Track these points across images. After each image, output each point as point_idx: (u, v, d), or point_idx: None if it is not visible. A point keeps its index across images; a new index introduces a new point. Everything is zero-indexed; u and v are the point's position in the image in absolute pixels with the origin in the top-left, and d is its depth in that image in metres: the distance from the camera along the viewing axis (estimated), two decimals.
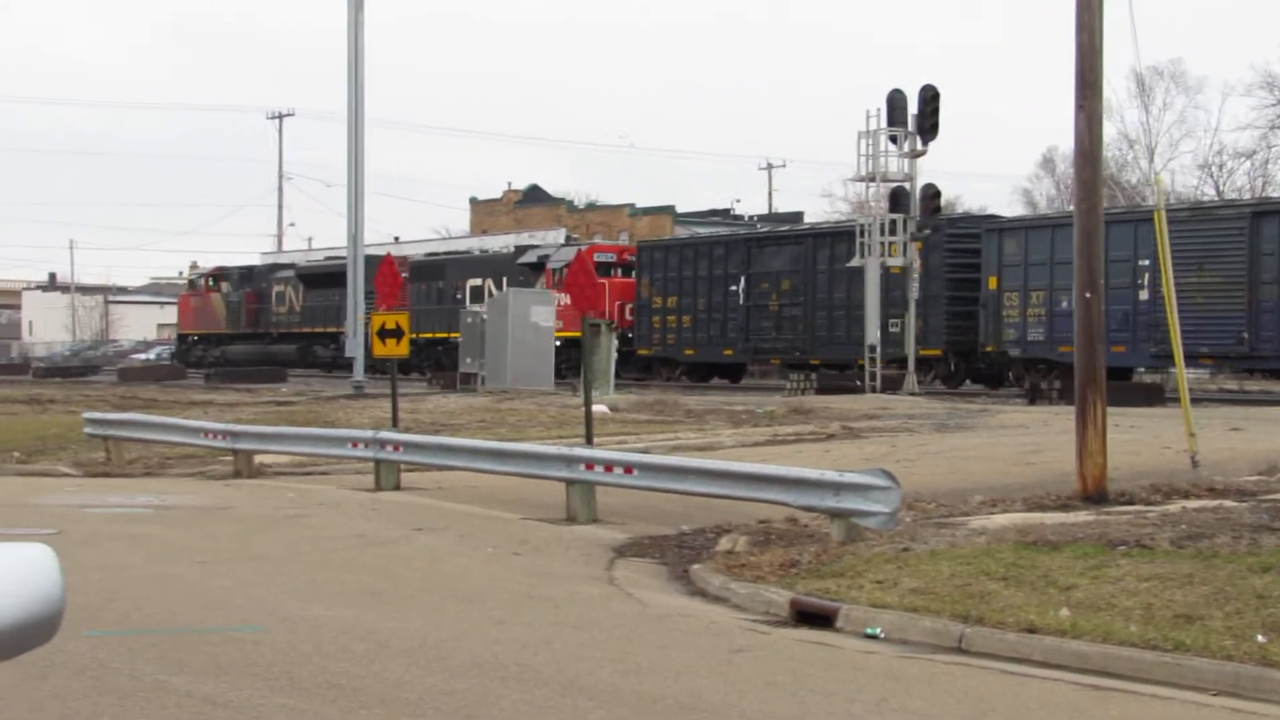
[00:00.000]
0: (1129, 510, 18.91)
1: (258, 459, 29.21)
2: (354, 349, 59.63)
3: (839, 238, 58.77)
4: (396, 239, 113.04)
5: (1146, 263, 46.35)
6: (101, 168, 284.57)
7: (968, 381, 56.60)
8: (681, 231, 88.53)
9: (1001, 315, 51.93)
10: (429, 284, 75.65)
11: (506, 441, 27.07)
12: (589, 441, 23.30)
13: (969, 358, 55.26)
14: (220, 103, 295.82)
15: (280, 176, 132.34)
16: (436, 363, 72.00)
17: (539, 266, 67.96)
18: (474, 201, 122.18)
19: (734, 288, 61.58)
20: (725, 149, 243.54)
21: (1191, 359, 43.86)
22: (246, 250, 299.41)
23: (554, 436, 32.00)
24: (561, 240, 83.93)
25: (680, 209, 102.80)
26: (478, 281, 72.86)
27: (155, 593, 15.22)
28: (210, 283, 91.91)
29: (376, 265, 74.26)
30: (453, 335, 68.51)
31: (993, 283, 52.06)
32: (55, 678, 11.14)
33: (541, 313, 56.70)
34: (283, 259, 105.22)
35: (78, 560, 16.57)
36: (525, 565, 17.76)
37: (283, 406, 46.55)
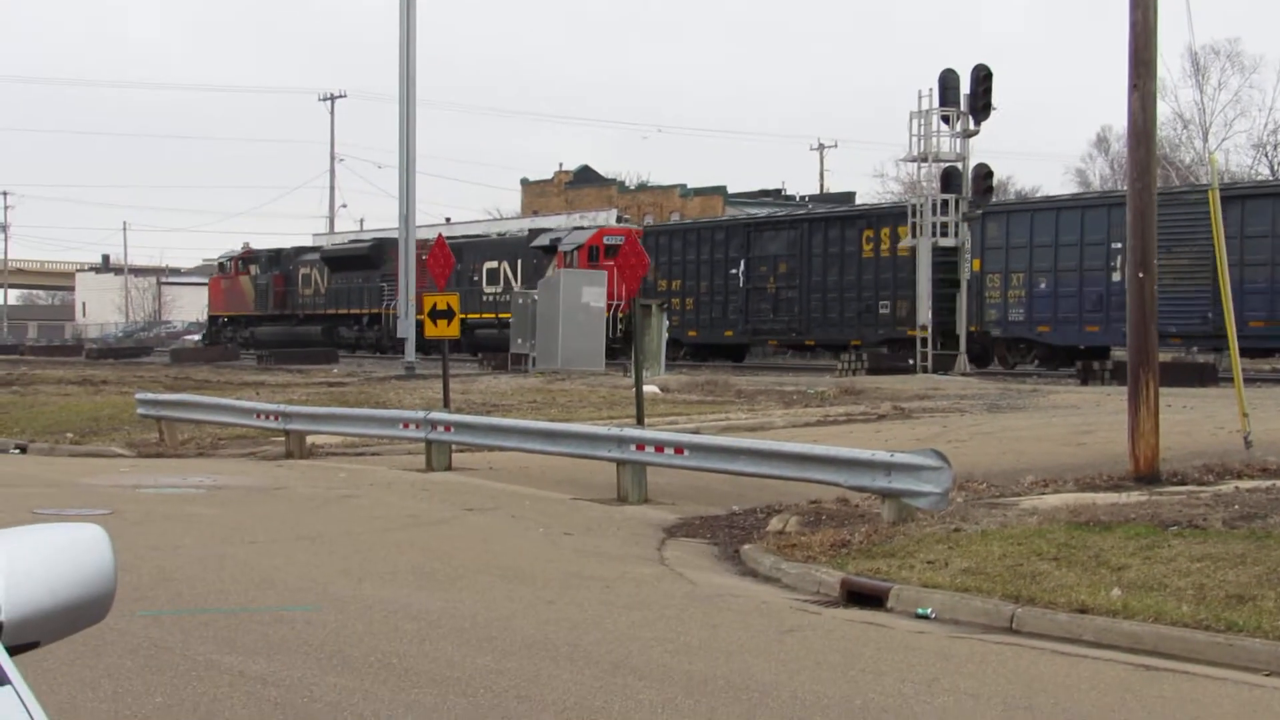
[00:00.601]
0: (1181, 490, 18.84)
1: (309, 439, 29.31)
2: (405, 329, 59.72)
3: (832, 222, 61.52)
4: (448, 220, 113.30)
5: (1119, 245, 48.57)
6: (155, 150, 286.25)
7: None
8: (733, 212, 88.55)
9: (984, 297, 54.31)
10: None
11: (557, 422, 27.09)
12: (640, 422, 23.32)
13: (955, 338, 56.44)
14: (273, 85, 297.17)
15: (332, 158, 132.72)
16: (455, 343, 70.23)
17: (551, 249, 68.95)
18: (525, 183, 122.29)
19: (734, 271, 63.50)
20: (778, 129, 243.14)
21: (1160, 338, 44.32)
22: (299, 231, 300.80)
23: (605, 417, 32.01)
24: (613, 221, 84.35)
25: (731, 189, 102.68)
26: (494, 264, 73.94)
27: (208, 572, 15.29)
28: (240, 265, 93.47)
29: (392, 248, 76.20)
30: (469, 316, 68.41)
31: (976, 265, 54.29)
32: (108, 656, 11.21)
33: (593, 293, 56.71)
34: (336, 240, 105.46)
35: (131, 540, 16.66)
36: (576, 545, 17.78)
37: (334, 387, 46.66)
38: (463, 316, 70.51)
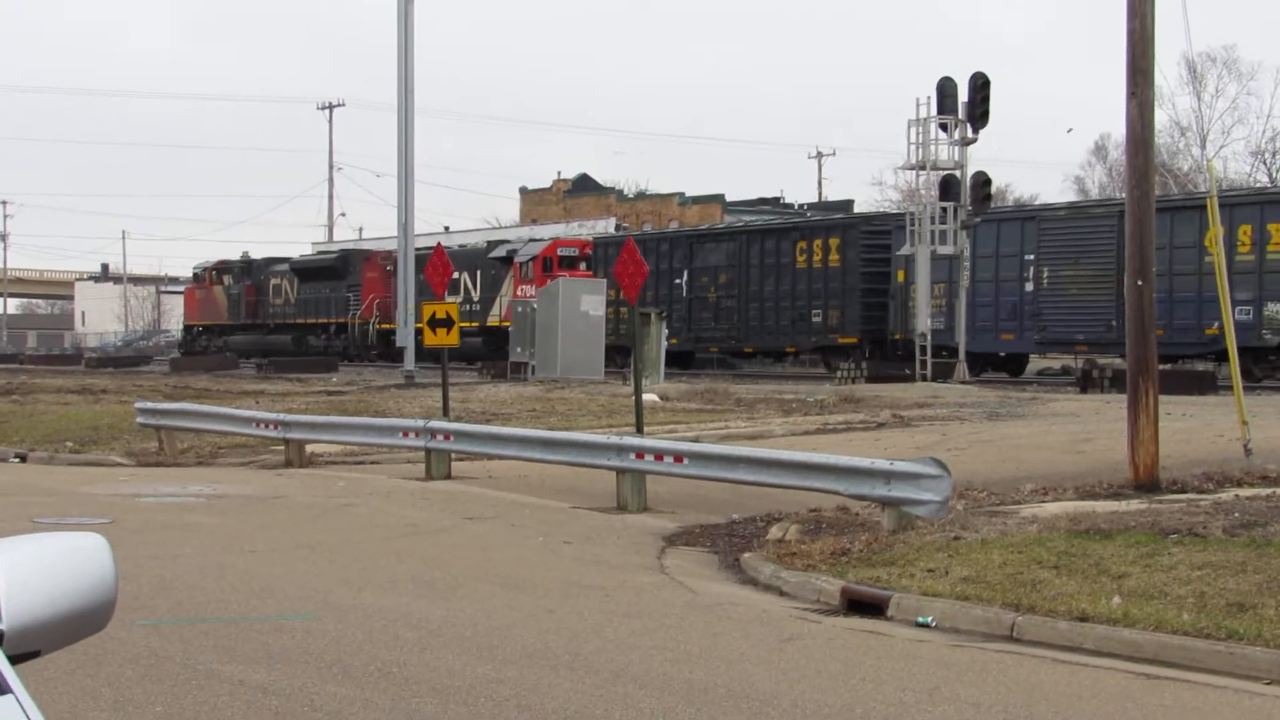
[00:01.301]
0: (1181, 498, 18.84)
1: (309, 448, 29.31)
2: (404, 338, 59.79)
3: (769, 234, 64.36)
4: (447, 228, 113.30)
5: (1031, 258, 52.23)
6: (154, 159, 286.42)
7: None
8: (731, 219, 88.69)
9: (908, 306, 56.06)
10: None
11: (557, 431, 27.09)
12: (639, 430, 23.30)
13: (882, 345, 59.51)
14: (272, 94, 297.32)
15: (330, 167, 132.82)
16: (417, 351, 71.37)
17: (508, 260, 71.97)
18: (524, 191, 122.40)
19: (678, 281, 65.94)
20: (776, 137, 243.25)
21: (1067, 345, 52.32)
22: (298, 240, 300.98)
23: (604, 425, 32.01)
24: (612, 229, 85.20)
25: (730, 198, 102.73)
26: (456, 275, 71.84)
27: (207, 581, 15.28)
28: (214, 276, 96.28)
29: (364, 259, 77.83)
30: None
31: (900, 276, 56.78)
32: (109, 665, 11.20)
33: (591, 302, 56.78)
34: (333, 249, 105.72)
35: (131, 549, 16.65)
36: (576, 554, 17.78)
37: (333, 396, 46.67)
38: (422, 326, 74.06)
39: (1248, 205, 48.54)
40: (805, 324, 60.53)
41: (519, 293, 69.24)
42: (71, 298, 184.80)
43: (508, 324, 66.32)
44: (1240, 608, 12.64)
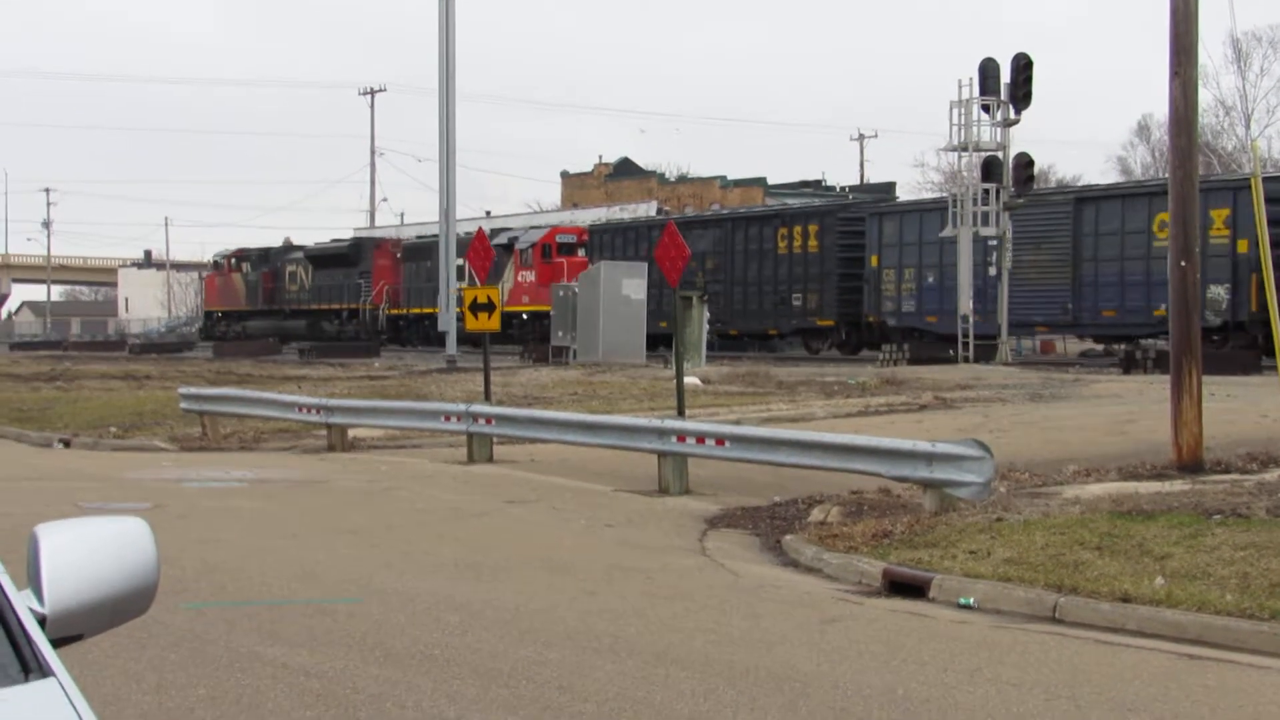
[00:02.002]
0: (1225, 479, 18.78)
1: (351, 433, 29.38)
2: (446, 323, 59.90)
3: (752, 221, 66.60)
4: (488, 213, 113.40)
5: (994, 243, 53.78)
6: (197, 145, 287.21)
7: (864, 349, 62.73)
8: (773, 202, 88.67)
9: (881, 289, 59.60)
10: (418, 264, 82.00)
11: (598, 414, 27.12)
12: (681, 413, 23.30)
13: (857, 327, 62.43)
14: (314, 79, 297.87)
15: (372, 152, 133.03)
16: (424, 336, 78.89)
17: (509, 247, 72.76)
18: (565, 175, 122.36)
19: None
20: (818, 120, 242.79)
21: (1028, 327, 54.93)
22: (340, 226, 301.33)
23: (646, 409, 32.02)
24: (653, 212, 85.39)
25: (771, 180, 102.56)
26: (459, 261, 74.29)
27: (250, 565, 15.34)
28: (232, 264, 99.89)
29: (375, 247, 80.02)
30: (432, 310, 74.15)
31: (874, 261, 59.72)
32: (152, 648, 11.26)
33: (633, 285, 56.78)
34: (375, 234, 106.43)
35: (174, 534, 16.72)
36: (617, 536, 17.80)
37: (375, 381, 46.78)
38: (431, 311, 77.38)
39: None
40: (786, 307, 63.02)
41: (519, 279, 72.43)
42: (115, 284, 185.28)
43: (511, 309, 70.37)
44: None
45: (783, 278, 63.48)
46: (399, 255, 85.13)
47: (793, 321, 63.49)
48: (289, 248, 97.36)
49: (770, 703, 9.90)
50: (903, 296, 59.14)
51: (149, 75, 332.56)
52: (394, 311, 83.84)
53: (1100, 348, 60.27)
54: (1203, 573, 13.31)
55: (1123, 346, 51.44)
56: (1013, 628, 12.58)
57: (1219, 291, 48.41)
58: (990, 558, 14.60)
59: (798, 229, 63.17)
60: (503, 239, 74.04)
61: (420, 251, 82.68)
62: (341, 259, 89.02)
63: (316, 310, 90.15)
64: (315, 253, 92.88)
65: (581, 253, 72.26)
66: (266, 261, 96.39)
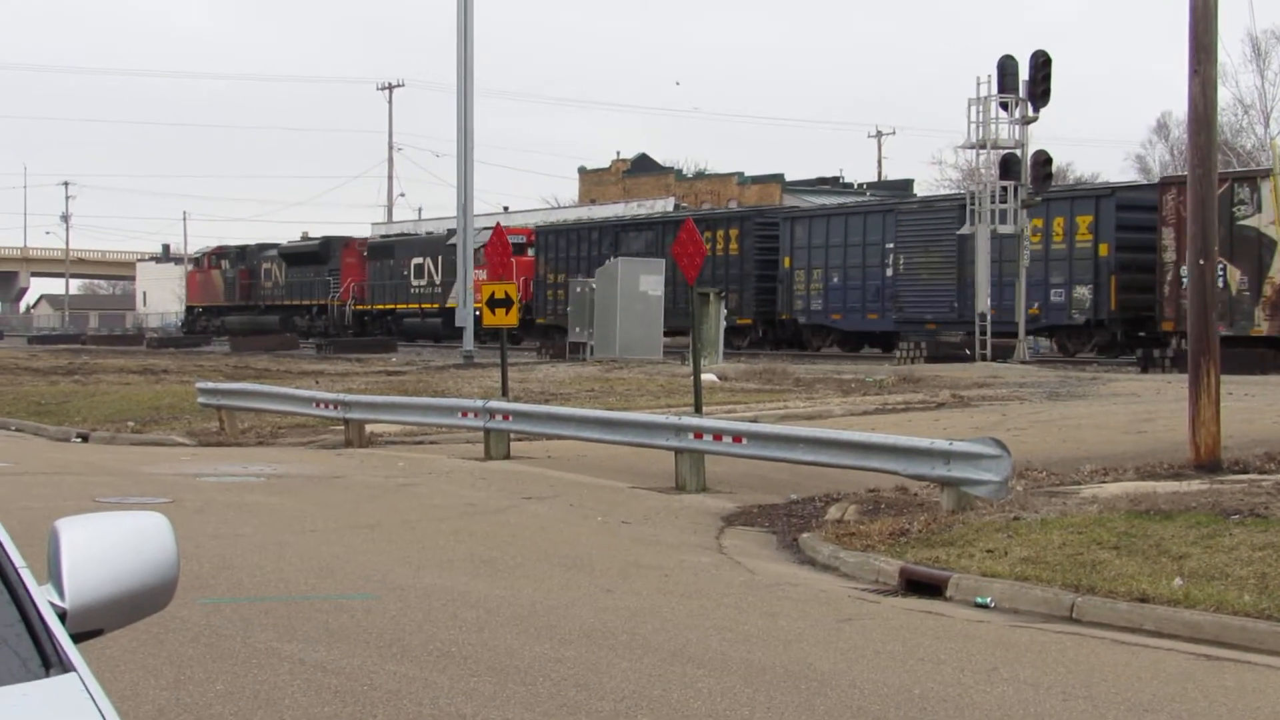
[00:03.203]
0: (1243, 479, 18.74)
1: (369, 428, 29.40)
2: (464, 318, 59.91)
3: (701, 223, 67.25)
4: (506, 209, 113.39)
5: (891, 246, 59.46)
6: (214, 139, 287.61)
7: (779, 346, 66.71)
8: (790, 199, 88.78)
9: (793, 289, 63.87)
10: (382, 262, 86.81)
11: (615, 411, 27.12)
12: (698, 410, 23.30)
13: (773, 325, 66.76)
14: (332, 75, 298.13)
15: (390, 147, 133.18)
16: (387, 330, 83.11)
17: None
18: (582, 171, 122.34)
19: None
20: (836, 117, 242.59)
21: (919, 324, 58.12)
22: (358, 221, 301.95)
23: (663, 405, 32.03)
24: (670, 208, 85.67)
25: (789, 177, 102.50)
26: (420, 260, 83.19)
27: (268, 561, 15.36)
28: (212, 261, 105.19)
29: (344, 246, 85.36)
30: (398, 306, 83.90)
31: (787, 262, 63.97)
32: (170, 643, 11.27)
33: (650, 282, 56.80)
34: (392, 230, 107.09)
35: (191, 529, 16.76)
36: (634, 534, 17.81)
37: (393, 376, 46.80)
38: (392, 307, 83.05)
39: (1060, 200, 54.82)
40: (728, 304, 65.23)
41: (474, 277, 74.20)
42: (133, 278, 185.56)
43: None
44: None
45: (705, 279, 64.34)
46: (365, 254, 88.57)
47: (729, 318, 64.39)
48: (264, 246, 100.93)
49: (787, 701, 9.90)
50: (811, 296, 63.39)
51: (168, 70, 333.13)
52: (359, 307, 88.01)
53: None
54: (1221, 573, 13.29)
55: (1139, 351, 51.62)
56: (1030, 627, 12.57)
57: (1084, 292, 52.85)
58: (1007, 557, 14.59)
59: (720, 232, 66.99)
60: (456, 240, 76.45)
61: (384, 250, 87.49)
62: (312, 257, 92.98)
63: (289, 306, 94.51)
64: (288, 251, 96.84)
65: (531, 252, 76.21)
66: (243, 259, 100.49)
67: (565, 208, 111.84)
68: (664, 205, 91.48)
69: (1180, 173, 59.85)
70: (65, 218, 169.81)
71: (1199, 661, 11.27)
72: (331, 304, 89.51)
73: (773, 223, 66.49)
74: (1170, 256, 49.20)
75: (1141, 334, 52.27)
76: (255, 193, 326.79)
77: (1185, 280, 42.46)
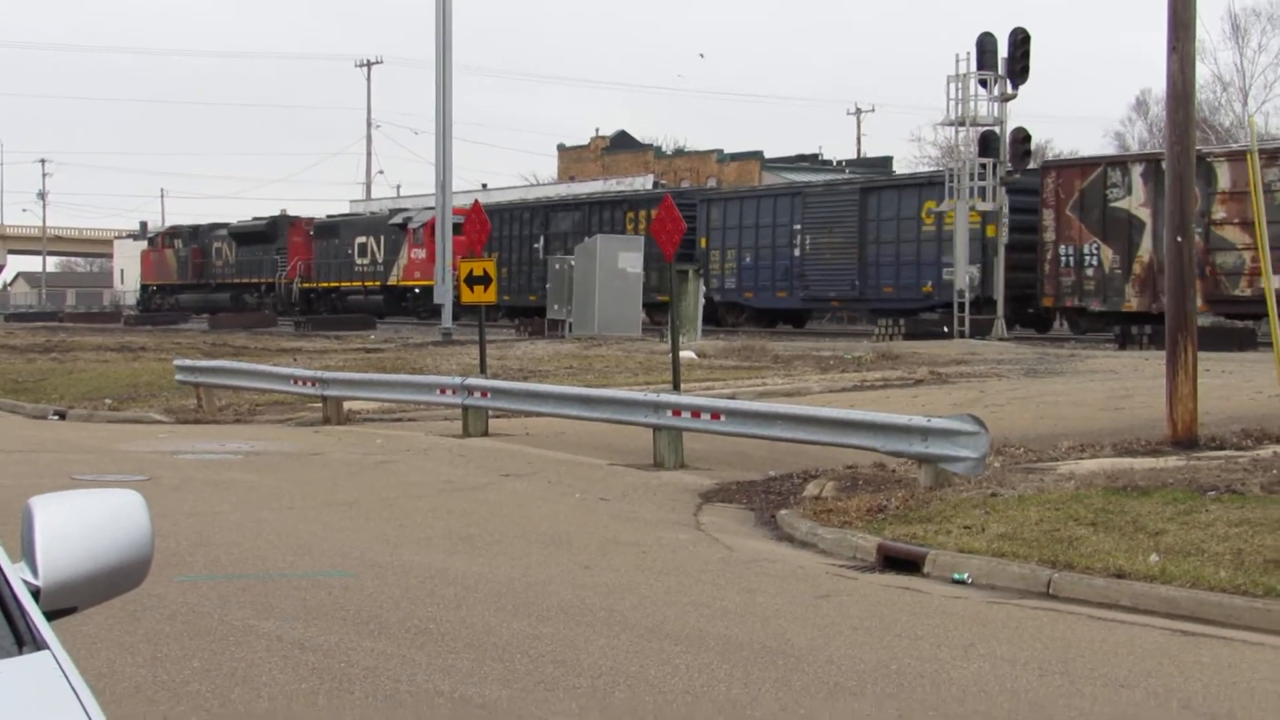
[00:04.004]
0: (1219, 455, 18.79)
1: (347, 406, 29.37)
2: (442, 295, 59.86)
3: (605, 206, 73.30)
4: (484, 186, 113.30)
5: (798, 227, 62.37)
6: (192, 116, 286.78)
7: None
8: (770, 177, 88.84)
9: (709, 268, 65.91)
10: (328, 241, 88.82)
11: (594, 388, 27.11)
12: (676, 387, 23.29)
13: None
14: (310, 51, 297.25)
15: (369, 124, 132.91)
16: (332, 308, 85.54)
17: (403, 227, 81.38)
18: (561, 148, 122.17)
19: (536, 245, 74.55)
20: (814, 94, 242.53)
21: (824, 301, 62.57)
22: (336, 198, 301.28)
23: (641, 382, 32.03)
24: (649, 186, 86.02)
25: (768, 154, 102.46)
26: (363, 239, 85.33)
27: (245, 538, 15.34)
28: (165, 240, 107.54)
29: (290, 225, 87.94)
30: (344, 284, 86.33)
31: (704, 242, 66.42)
32: (147, 621, 11.26)
33: (629, 259, 56.84)
34: (371, 207, 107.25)
35: (168, 506, 16.74)
36: (612, 510, 17.81)
37: (371, 353, 46.76)
38: (336, 285, 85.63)
39: (941, 185, 56.11)
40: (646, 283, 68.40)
41: (413, 256, 79.46)
42: (110, 255, 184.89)
43: (406, 283, 79.94)
44: (1278, 565, 12.61)
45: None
46: (311, 233, 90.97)
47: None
48: (215, 225, 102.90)
49: (764, 677, 9.91)
50: (726, 275, 65.94)
51: (146, 46, 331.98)
52: (306, 285, 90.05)
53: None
54: (1197, 549, 13.32)
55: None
56: (1007, 603, 12.60)
57: (973, 271, 54.92)
58: (985, 533, 14.62)
59: (643, 213, 68.38)
60: (398, 219, 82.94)
61: (330, 230, 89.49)
62: (261, 236, 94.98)
63: (239, 284, 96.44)
64: (238, 230, 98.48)
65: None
66: (196, 238, 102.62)
67: (544, 184, 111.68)
68: (643, 182, 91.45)
69: (1068, 156, 60.97)
70: (42, 195, 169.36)
71: (1175, 637, 11.30)
72: (279, 282, 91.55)
73: (691, 204, 67.71)
74: (1050, 237, 52.54)
75: (1030, 310, 55.23)
76: (234, 170, 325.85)
77: (1064, 259, 51.92)
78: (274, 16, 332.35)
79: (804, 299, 62.38)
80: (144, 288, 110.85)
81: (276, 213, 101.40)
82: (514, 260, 75.76)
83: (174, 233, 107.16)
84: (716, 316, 65.96)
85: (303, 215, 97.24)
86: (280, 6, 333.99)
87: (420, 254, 78.08)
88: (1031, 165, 56.75)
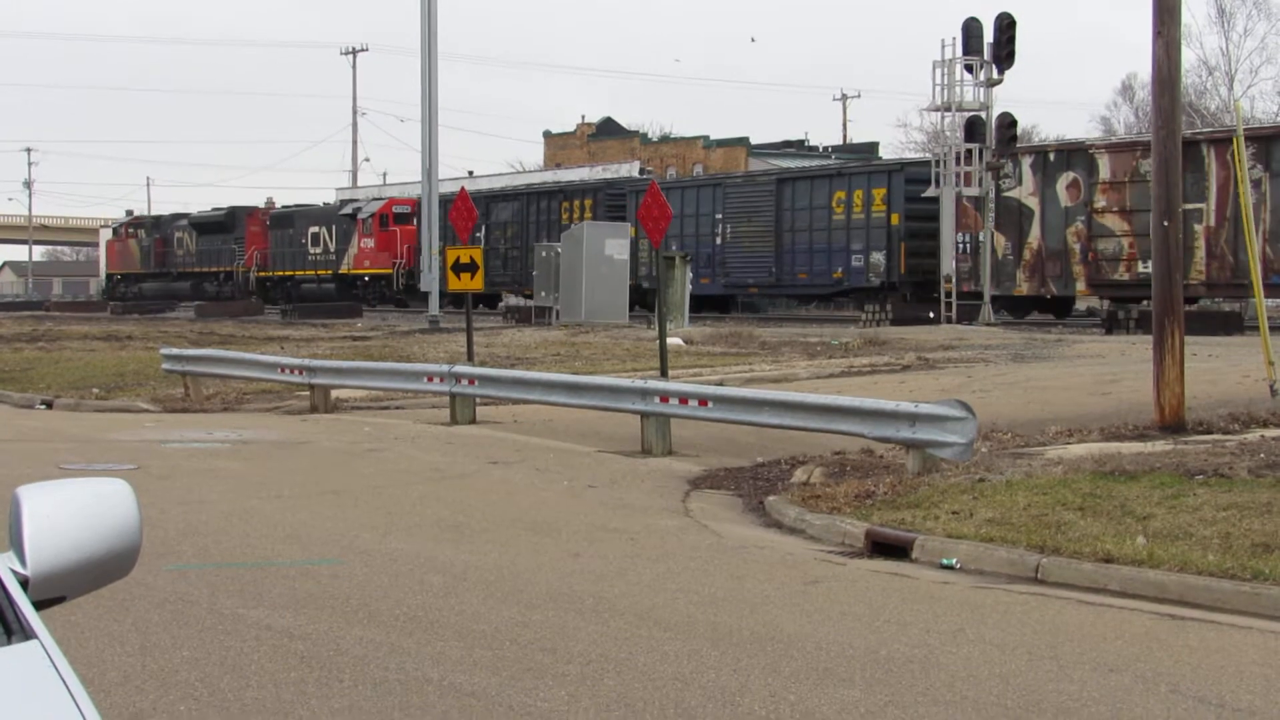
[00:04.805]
0: (1207, 439, 18.80)
1: (334, 394, 29.35)
2: (429, 283, 59.86)
3: (542, 196, 75.70)
4: (470, 173, 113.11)
5: (720, 216, 64.88)
6: (178, 105, 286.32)
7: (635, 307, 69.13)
8: (756, 163, 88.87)
9: (637, 256, 65.56)
10: (283, 231, 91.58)
11: (581, 375, 27.09)
12: (664, 374, 23.32)
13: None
14: (295, 39, 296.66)
15: (354, 112, 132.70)
16: (286, 295, 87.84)
17: (353, 217, 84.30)
18: (548, 135, 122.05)
19: (478, 234, 74.67)
20: (801, 80, 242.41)
21: (744, 288, 65.82)
22: (323, 186, 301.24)
23: (629, 369, 32.02)
24: (635, 172, 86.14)
25: (754, 140, 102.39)
26: (316, 229, 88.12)
27: (233, 527, 15.33)
28: (129, 230, 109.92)
29: (248, 215, 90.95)
30: (298, 273, 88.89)
31: (632, 231, 64.16)
32: (135, 610, 11.25)
33: (616, 245, 56.83)
34: (358, 194, 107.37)
35: (156, 495, 16.72)
36: (601, 498, 17.81)
37: (358, 341, 46.73)
38: (291, 274, 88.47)
39: (859, 174, 60.34)
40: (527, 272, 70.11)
41: (362, 245, 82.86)
42: (96, 244, 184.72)
43: (357, 271, 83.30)
44: (1265, 548, 12.63)
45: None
46: (267, 223, 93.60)
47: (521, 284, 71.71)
48: (177, 216, 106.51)
49: (753, 664, 9.91)
50: (653, 264, 65.42)
51: (132, 34, 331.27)
52: (262, 274, 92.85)
53: (1084, 308, 61.15)
54: (1185, 533, 13.34)
55: (1104, 307, 52.29)
56: (995, 588, 12.61)
57: (879, 258, 58.01)
58: (973, 518, 14.62)
59: (575, 203, 72.04)
60: (348, 210, 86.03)
61: (285, 220, 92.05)
62: (219, 226, 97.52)
63: (200, 273, 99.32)
64: (198, 220, 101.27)
65: (416, 221, 79.09)
66: (158, 228, 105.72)
67: (530, 171, 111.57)
68: (629, 169, 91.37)
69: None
70: (28, 184, 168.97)
71: (1163, 621, 11.32)
72: (237, 270, 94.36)
73: (621, 194, 70.57)
74: (949, 225, 54.74)
75: (935, 295, 56.00)
76: (220, 158, 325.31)
77: (962, 246, 54.38)
78: (259, 4, 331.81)
79: (725, 285, 64.40)
80: (109, 277, 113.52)
81: (262, 200, 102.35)
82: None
83: (138, 223, 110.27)
84: (648, 302, 66.86)
85: (259, 205, 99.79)
86: None
87: (370, 243, 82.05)
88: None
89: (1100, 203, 50.17)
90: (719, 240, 64.14)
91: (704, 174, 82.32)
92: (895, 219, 57.52)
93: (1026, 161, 52.94)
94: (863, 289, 59.13)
